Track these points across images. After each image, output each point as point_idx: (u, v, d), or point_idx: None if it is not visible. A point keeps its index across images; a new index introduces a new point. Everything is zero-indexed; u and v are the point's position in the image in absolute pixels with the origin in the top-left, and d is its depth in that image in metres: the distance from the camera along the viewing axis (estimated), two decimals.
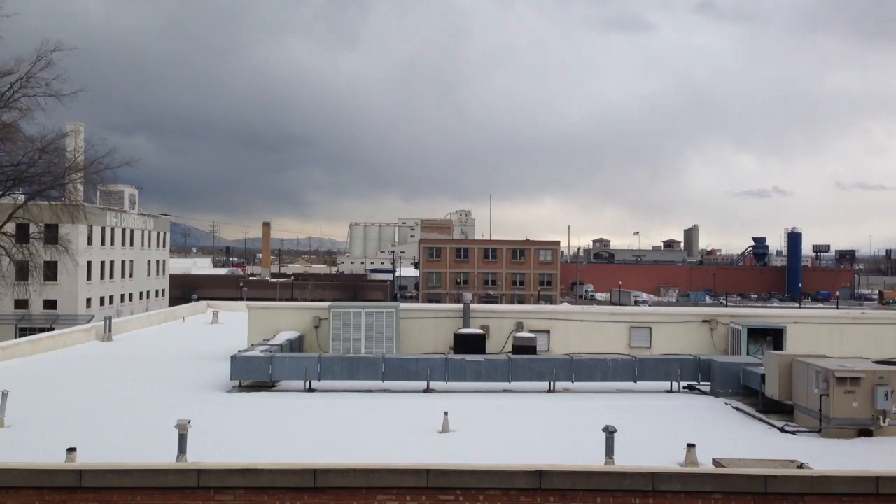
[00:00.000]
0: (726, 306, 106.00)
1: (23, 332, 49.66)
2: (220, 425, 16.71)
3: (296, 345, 25.66)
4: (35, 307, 62.26)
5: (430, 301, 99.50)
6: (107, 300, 73.28)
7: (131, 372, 24.08)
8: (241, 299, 62.83)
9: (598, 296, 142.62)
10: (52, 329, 40.94)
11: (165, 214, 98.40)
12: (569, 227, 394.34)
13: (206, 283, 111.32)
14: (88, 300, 69.29)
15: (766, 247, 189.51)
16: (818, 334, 27.30)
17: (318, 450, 14.75)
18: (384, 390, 21.14)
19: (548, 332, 27.51)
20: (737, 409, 19.61)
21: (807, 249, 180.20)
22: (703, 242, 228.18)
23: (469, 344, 25.08)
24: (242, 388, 21.21)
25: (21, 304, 58.59)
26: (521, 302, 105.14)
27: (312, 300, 73.48)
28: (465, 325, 26.82)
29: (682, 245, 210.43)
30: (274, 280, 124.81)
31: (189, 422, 12.88)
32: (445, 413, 16.62)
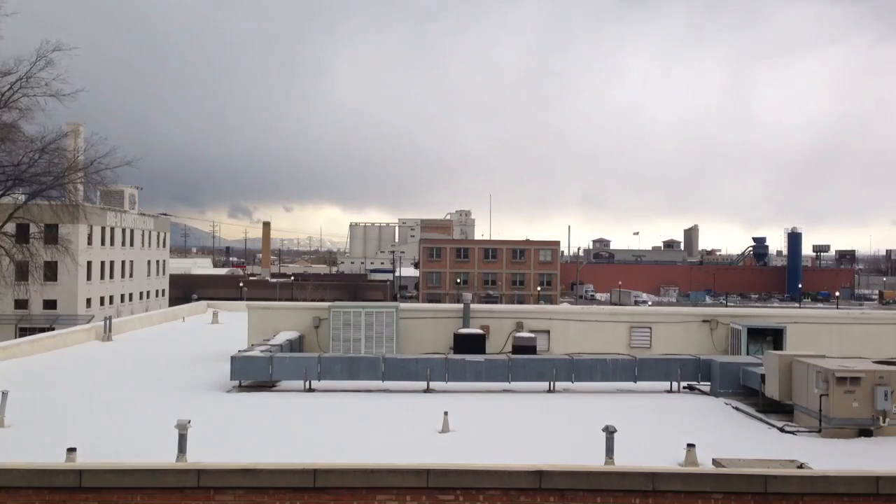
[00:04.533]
0: (726, 306, 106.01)
1: (23, 332, 49.69)
2: (220, 425, 16.70)
3: (296, 345, 25.65)
4: (35, 307, 62.28)
5: (430, 301, 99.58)
6: (107, 300, 73.32)
7: (131, 372, 24.08)
8: (241, 299, 62.90)
9: (598, 296, 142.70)
10: (52, 329, 40.96)
11: (165, 214, 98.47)
12: (569, 227, 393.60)
13: (206, 283, 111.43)
14: (88, 300, 69.33)
15: (766, 247, 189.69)
16: (818, 334, 27.29)
17: (318, 450, 14.74)
18: (384, 390, 21.13)
19: (548, 332, 27.51)
20: (737, 409, 19.61)
21: (807, 249, 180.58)
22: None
23: (469, 344, 25.06)
24: (242, 388, 21.20)
25: (21, 304, 58.58)
26: (521, 302, 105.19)
27: (312, 300, 73.47)
28: (465, 325, 26.81)
29: (682, 245, 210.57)
30: (274, 280, 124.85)
31: (189, 422, 12.89)
32: (445, 413, 16.61)
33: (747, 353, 24.99)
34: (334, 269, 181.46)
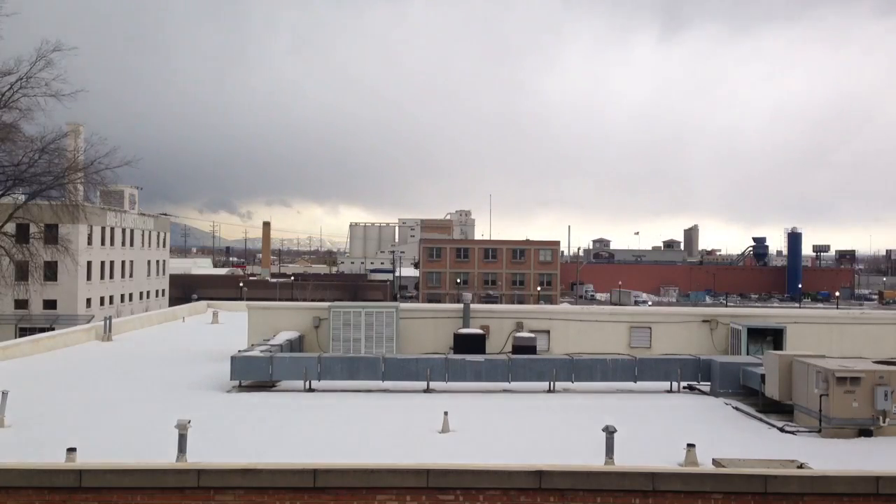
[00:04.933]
0: (726, 306, 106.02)
1: (23, 332, 49.64)
2: (220, 425, 16.71)
3: (296, 345, 25.65)
4: (35, 307, 62.27)
5: (430, 301, 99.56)
6: (107, 300, 73.31)
7: (131, 372, 24.08)
8: (241, 299, 62.92)
9: (598, 296, 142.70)
10: (52, 329, 40.95)
11: (165, 214, 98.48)
12: (569, 227, 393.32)
13: (206, 283, 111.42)
14: (88, 300, 69.32)
15: (766, 247, 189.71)
16: (818, 334, 27.30)
17: (318, 450, 14.75)
18: (384, 390, 21.14)
19: (548, 332, 27.51)
20: (737, 409, 19.61)
21: (807, 249, 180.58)
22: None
23: (469, 344, 25.07)
24: (242, 388, 21.21)
25: (21, 304, 58.58)
26: (521, 302, 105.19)
27: (312, 300, 73.45)
28: (465, 325, 26.81)
29: (682, 245, 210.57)
30: (274, 280, 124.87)
31: (189, 422, 12.89)
32: (445, 413, 16.62)
33: (747, 353, 24.99)
34: (334, 269, 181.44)
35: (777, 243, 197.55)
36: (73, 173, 45.04)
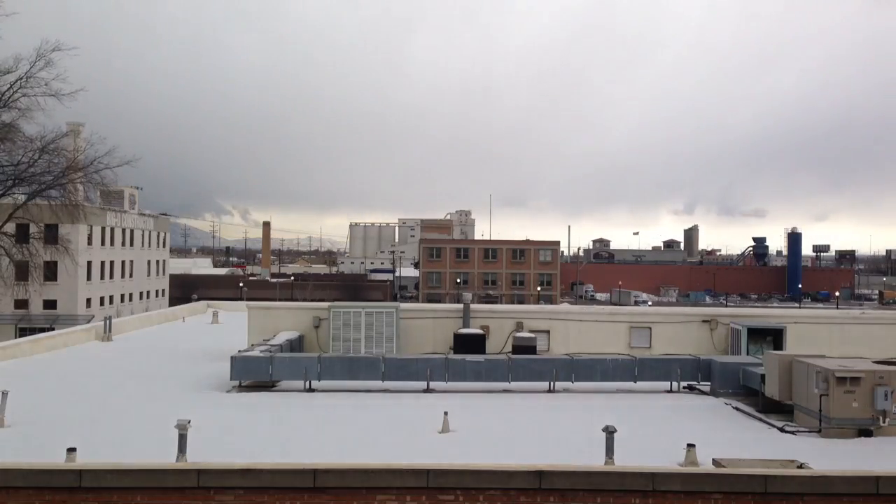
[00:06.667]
0: (726, 306, 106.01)
1: (23, 332, 49.69)
2: (220, 425, 16.69)
3: (296, 345, 25.64)
4: (35, 307, 62.34)
5: (430, 301, 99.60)
6: (107, 300, 73.37)
7: (131, 372, 24.08)
8: (241, 299, 62.94)
9: (598, 296, 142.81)
10: (52, 329, 40.97)
11: (165, 214, 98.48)
12: (569, 227, 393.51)
13: (206, 283, 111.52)
14: (88, 300, 69.37)
15: (766, 247, 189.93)
16: (818, 334, 27.28)
17: (318, 450, 14.74)
18: (384, 390, 21.13)
19: (548, 332, 27.50)
20: (737, 409, 19.61)
21: (807, 249, 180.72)
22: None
23: (469, 344, 25.07)
24: (242, 388, 21.21)
25: (21, 304, 58.66)
26: (521, 302, 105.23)
27: (312, 300, 73.46)
28: (465, 325, 26.81)
29: (682, 245, 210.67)
30: (274, 280, 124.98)
31: (189, 422, 12.88)
32: (445, 413, 16.61)
33: (747, 353, 24.98)
34: (334, 269, 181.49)
35: (777, 243, 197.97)
36: (72, 173, 45.06)
